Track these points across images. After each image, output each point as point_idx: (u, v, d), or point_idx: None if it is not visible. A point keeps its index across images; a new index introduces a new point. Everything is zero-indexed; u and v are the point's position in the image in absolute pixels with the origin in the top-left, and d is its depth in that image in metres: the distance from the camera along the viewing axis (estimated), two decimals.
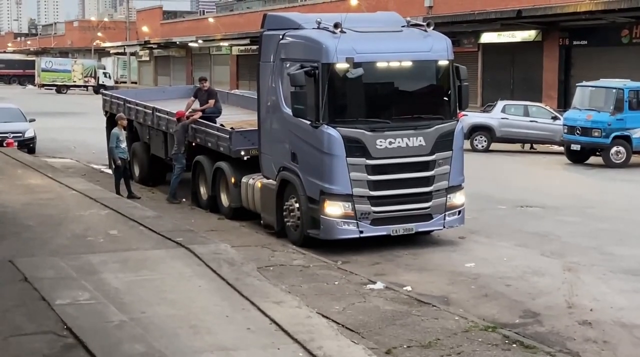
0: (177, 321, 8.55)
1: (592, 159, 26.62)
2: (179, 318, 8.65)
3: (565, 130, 26.80)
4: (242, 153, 16.16)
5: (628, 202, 19.32)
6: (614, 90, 25.81)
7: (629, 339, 9.64)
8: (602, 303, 10.92)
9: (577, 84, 28.64)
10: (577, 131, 26.13)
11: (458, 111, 14.37)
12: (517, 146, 30.86)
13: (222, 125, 17.23)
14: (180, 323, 8.49)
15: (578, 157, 26.78)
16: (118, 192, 18.29)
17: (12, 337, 7.75)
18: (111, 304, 8.75)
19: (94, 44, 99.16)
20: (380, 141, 13.34)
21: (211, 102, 18.24)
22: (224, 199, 16.77)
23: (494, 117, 30.62)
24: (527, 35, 41.79)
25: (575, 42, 39.43)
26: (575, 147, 26.47)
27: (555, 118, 29.93)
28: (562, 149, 28.19)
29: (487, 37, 44.20)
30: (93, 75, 78.58)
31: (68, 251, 11.15)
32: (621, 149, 25.63)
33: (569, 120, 26.69)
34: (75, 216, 13.49)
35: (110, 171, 21.27)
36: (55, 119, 40.33)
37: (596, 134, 25.63)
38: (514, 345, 9.19)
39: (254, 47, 51.84)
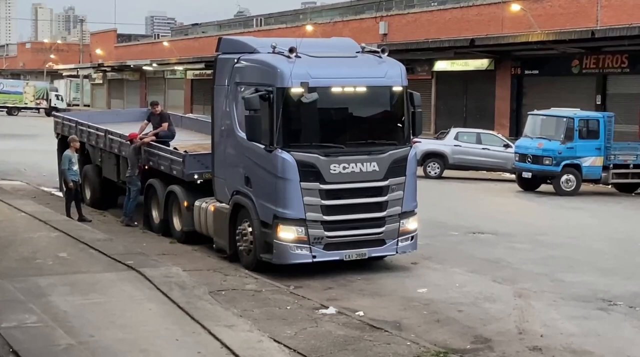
0: (126, 345, 8.43)
1: (543, 187, 26.94)
2: (128, 342, 8.53)
3: (517, 158, 27.13)
4: (196, 177, 16.06)
5: (578, 230, 19.56)
6: (565, 119, 26.22)
7: None
8: (553, 329, 11.00)
9: (528, 113, 29.04)
10: (529, 159, 26.46)
11: (412, 137, 14.44)
12: (469, 173, 31.09)
13: (175, 148, 17.12)
14: (129, 347, 8.38)
15: (529, 185, 27.09)
16: (69, 215, 18.08)
17: None
18: (59, 328, 8.60)
19: (47, 66, 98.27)
20: (334, 166, 13.34)
21: (164, 125, 18.13)
22: (177, 222, 16.64)
23: (447, 144, 30.93)
24: (480, 64, 42.32)
25: (527, 72, 40.01)
26: (527, 174, 26.79)
27: (507, 146, 30.29)
28: (513, 176, 28.49)
29: (441, 65, 44.67)
30: (45, 97, 77.82)
31: (16, 273, 10.97)
32: (571, 177, 25.98)
33: (521, 148, 27.03)
34: (24, 238, 13.29)
35: (60, 194, 21.03)
36: (5, 141, 39.80)
37: (547, 162, 25.97)
38: None
39: (209, 71, 51.80)
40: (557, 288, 13.34)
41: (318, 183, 13.27)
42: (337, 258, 13.63)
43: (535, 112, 28.15)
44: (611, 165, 26.31)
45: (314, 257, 13.43)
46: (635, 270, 15.01)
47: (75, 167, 18.81)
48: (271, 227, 13.40)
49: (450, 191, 27.15)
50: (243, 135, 13.92)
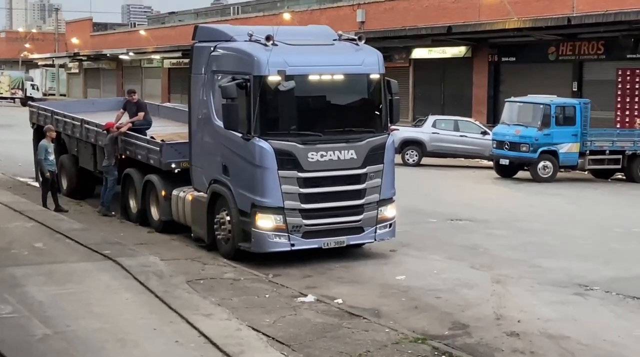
0: (103, 335, 8.39)
1: (520, 174, 27.05)
2: (105, 332, 8.49)
3: (494, 145, 27.22)
4: (173, 166, 15.98)
5: (555, 216, 19.66)
6: (541, 106, 26.31)
7: (555, 350, 9.76)
8: (530, 315, 11.05)
9: (505, 100, 29.12)
10: (506, 146, 26.55)
11: (389, 125, 14.44)
12: (447, 160, 31.16)
13: (152, 137, 17.03)
14: (106, 337, 8.34)
15: (506, 172, 27.19)
16: (45, 205, 17.96)
17: None
18: (35, 318, 8.55)
19: (22, 55, 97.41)
20: (312, 154, 13.31)
21: (141, 114, 18.02)
22: (154, 212, 16.57)
23: (425, 131, 30.96)
24: (457, 51, 42.39)
25: (504, 59, 40.13)
26: (504, 161, 26.88)
27: (484, 133, 30.38)
28: (491, 163, 28.58)
29: (418, 53, 44.70)
30: (20, 87, 77.14)
31: None
32: (548, 163, 26.12)
33: (498, 135, 27.12)
34: None
35: (37, 184, 20.88)
36: None
37: (524, 148, 26.07)
38: (444, 356, 9.23)
39: (186, 60, 51.52)
40: (534, 274, 13.41)
41: (296, 171, 13.24)
42: (315, 246, 13.62)
43: (512, 99, 28.24)
44: (587, 152, 26.43)
45: (293, 245, 13.41)
46: (611, 255, 15.12)
47: (52, 157, 18.68)
48: (249, 216, 13.37)
49: (429, 179, 27.20)
50: (220, 123, 13.85)
